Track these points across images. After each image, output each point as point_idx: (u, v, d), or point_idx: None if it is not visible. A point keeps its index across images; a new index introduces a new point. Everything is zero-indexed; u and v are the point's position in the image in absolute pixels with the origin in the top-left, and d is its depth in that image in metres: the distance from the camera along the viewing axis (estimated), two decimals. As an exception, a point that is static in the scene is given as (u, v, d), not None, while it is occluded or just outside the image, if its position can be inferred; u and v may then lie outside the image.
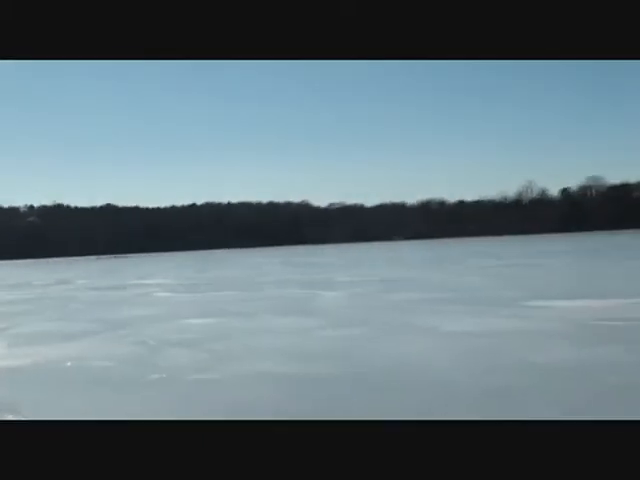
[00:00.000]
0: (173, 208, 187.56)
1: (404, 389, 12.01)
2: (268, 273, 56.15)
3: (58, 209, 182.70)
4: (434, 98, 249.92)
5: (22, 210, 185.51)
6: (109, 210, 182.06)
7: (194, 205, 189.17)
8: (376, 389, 12.16)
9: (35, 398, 12.36)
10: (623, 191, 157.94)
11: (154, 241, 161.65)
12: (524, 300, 24.67)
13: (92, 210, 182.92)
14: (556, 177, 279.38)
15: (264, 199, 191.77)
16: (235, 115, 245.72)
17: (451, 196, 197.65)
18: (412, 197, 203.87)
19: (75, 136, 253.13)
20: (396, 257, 78.08)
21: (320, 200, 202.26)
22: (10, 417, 9.88)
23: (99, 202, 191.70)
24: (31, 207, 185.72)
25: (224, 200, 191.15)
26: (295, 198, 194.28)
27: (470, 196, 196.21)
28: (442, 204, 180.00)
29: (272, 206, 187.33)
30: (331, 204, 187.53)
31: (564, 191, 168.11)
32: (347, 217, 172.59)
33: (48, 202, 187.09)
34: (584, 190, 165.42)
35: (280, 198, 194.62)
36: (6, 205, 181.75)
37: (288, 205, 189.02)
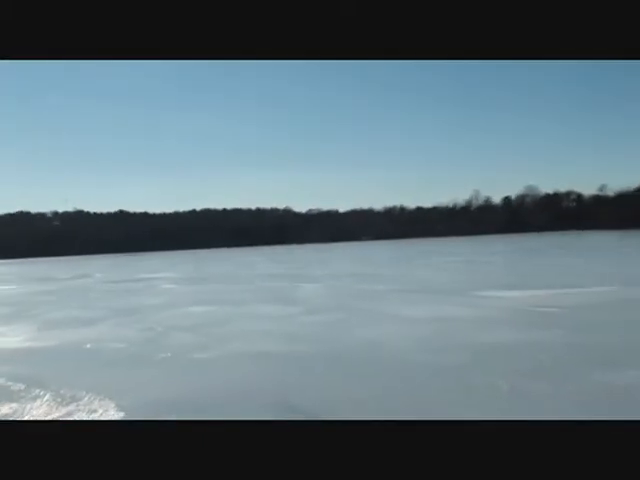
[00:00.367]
0: (176, 213, 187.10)
1: (372, 364, 12.06)
2: (257, 268, 56.07)
3: (78, 214, 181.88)
4: (387, 120, 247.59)
5: (48, 215, 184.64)
6: (121, 215, 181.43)
7: (194, 211, 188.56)
8: (349, 365, 12.17)
9: (59, 374, 12.30)
10: (554, 199, 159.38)
11: (159, 241, 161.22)
12: (473, 290, 24.80)
13: (107, 215, 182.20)
14: (498, 187, 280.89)
15: (253, 206, 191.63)
16: (233, 134, 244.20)
17: (411, 203, 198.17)
18: (378, 203, 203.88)
19: (92, 151, 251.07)
20: (365, 255, 78.24)
21: (301, 206, 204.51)
22: (10, 417, 8.83)
23: (113, 208, 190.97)
24: (55, 213, 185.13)
25: (220, 206, 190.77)
26: (279, 205, 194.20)
27: (427, 203, 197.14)
28: (403, 210, 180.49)
29: (260, 212, 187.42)
30: (310, 210, 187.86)
31: (505, 199, 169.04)
32: (323, 221, 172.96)
33: (69, 208, 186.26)
34: (521, 198, 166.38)
35: (267, 205, 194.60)
36: (34, 211, 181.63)
37: (274, 211, 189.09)
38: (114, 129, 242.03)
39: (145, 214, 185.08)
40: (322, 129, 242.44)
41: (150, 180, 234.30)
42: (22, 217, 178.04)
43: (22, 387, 11.24)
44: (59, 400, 10.15)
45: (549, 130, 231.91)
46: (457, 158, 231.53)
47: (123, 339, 16.67)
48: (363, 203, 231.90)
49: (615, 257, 48.22)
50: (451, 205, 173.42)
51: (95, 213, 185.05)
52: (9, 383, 11.65)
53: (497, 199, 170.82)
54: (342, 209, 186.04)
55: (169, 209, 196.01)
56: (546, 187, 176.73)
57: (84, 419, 8.30)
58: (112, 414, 9.21)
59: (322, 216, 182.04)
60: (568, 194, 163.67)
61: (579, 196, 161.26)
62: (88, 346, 15.88)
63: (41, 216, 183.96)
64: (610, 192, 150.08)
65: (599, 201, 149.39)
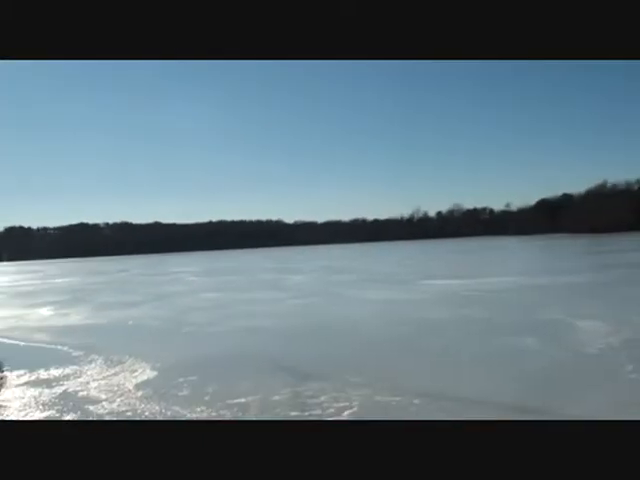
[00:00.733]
0: (196, 224, 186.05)
1: (343, 335, 12.07)
2: (255, 264, 55.91)
3: (125, 225, 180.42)
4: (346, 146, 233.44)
5: (101, 226, 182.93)
6: (156, 225, 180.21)
7: (210, 221, 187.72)
8: (326, 335, 12.18)
9: (109, 344, 12.21)
10: (474, 213, 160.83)
11: (183, 244, 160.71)
12: (417, 280, 24.87)
13: (145, 225, 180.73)
14: (433, 203, 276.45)
15: (254, 218, 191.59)
16: (237, 164, 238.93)
17: (370, 215, 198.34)
18: (346, 216, 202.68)
19: (139, 175, 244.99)
20: (336, 254, 78.26)
21: (289, 218, 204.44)
22: (11, 417, 6.81)
23: (150, 220, 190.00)
24: (107, 223, 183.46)
25: (229, 218, 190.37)
26: (273, 217, 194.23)
27: (382, 215, 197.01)
28: (364, 221, 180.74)
29: (259, 222, 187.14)
30: (296, 221, 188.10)
31: (439, 213, 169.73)
32: (306, 229, 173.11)
33: (118, 220, 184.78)
34: (450, 212, 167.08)
35: (264, 217, 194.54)
36: (91, 222, 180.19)
37: (269, 222, 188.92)
38: (151, 161, 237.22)
39: (174, 224, 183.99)
40: (302, 156, 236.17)
41: (178, 199, 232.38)
42: (80, 227, 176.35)
43: (81, 353, 11.19)
44: (109, 363, 10.10)
45: (467, 157, 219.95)
46: (401, 177, 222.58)
47: (157, 317, 16.56)
48: (334, 216, 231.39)
49: (516, 255, 48.75)
50: (399, 217, 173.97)
51: (136, 224, 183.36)
52: (71, 350, 11.61)
53: (432, 213, 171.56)
54: (319, 220, 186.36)
55: (191, 220, 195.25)
56: (468, 204, 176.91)
57: (84, 419, 6.93)
58: (148, 373, 9.16)
59: (305, 225, 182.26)
60: (484, 209, 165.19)
61: (491, 210, 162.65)
62: (130, 323, 15.78)
63: (96, 226, 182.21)
64: (514, 207, 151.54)
65: (506, 214, 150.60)
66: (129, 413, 7.00)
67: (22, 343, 12.99)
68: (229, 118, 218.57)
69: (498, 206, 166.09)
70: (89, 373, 9.37)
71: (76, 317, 17.69)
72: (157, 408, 7.13)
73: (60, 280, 43.43)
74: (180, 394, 7.74)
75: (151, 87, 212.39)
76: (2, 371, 9.39)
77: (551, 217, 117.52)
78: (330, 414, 6.54)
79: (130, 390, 8.12)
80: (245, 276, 35.89)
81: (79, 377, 9.11)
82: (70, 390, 8.27)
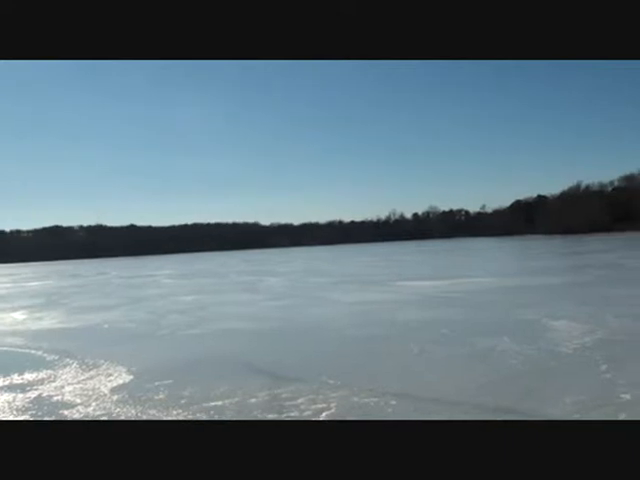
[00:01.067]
0: (172, 226, 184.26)
1: (317, 334, 12.08)
2: (232, 266, 55.64)
3: (99, 227, 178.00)
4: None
5: (75, 228, 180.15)
6: (131, 228, 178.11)
7: (186, 224, 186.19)
8: (303, 337, 12.17)
9: (84, 347, 12.03)
10: (449, 214, 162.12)
11: (159, 247, 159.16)
12: (392, 282, 25.00)
13: (120, 228, 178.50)
14: (409, 205, 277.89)
15: (230, 220, 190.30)
16: (209, 168, 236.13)
17: (346, 217, 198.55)
18: (322, 218, 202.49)
19: (114, 178, 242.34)
20: (312, 256, 78.24)
21: (265, 221, 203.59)
22: (11, 417, 6.88)
23: (125, 222, 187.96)
24: (81, 226, 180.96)
25: (205, 221, 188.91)
26: (250, 220, 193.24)
27: (358, 217, 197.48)
28: (341, 222, 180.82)
29: (236, 225, 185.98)
30: (272, 223, 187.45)
31: (415, 215, 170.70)
32: (282, 231, 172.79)
33: (92, 223, 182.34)
34: (426, 214, 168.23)
35: (240, 220, 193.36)
36: (65, 225, 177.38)
37: (245, 224, 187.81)
38: (125, 167, 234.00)
39: (149, 227, 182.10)
40: (280, 161, 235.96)
41: (153, 202, 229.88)
42: (54, 229, 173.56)
43: (56, 357, 11.01)
44: (84, 367, 9.96)
45: (443, 159, 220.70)
46: (377, 180, 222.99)
47: (133, 320, 16.40)
48: (311, 218, 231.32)
49: (492, 256, 49.18)
50: (375, 219, 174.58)
51: (111, 227, 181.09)
52: (45, 354, 11.41)
53: (409, 215, 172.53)
54: (295, 222, 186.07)
55: (167, 223, 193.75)
56: (443, 206, 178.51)
57: (83, 419, 6.79)
58: (124, 377, 9.07)
59: (281, 228, 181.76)
60: (459, 211, 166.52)
61: (467, 212, 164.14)
62: (106, 326, 15.59)
63: (70, 229, 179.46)
64: (489, 209, 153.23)
65: (481, 216, 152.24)
66: (105, 417, 6.94)
67: (-6, 347, 12.77)
68: (205, 120, 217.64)
69: (474, 208, 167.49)
70: (64, 377, 9.22)
71: (50, 321, 17.40)
72: (133, 412, 7.06)
73: (34, 283, 42.72)
74: (156, 397, 7.68)
75: (127, 90, 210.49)
76: (-26, 376, 9.22)
77: (526, 218, 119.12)
78: (308, 416, 6.54)
79: (105, 394, 8.03)
80: (221, 278, 35.69)
81: (53, 381, 8.97)
82: (44, 394, 8.16)
